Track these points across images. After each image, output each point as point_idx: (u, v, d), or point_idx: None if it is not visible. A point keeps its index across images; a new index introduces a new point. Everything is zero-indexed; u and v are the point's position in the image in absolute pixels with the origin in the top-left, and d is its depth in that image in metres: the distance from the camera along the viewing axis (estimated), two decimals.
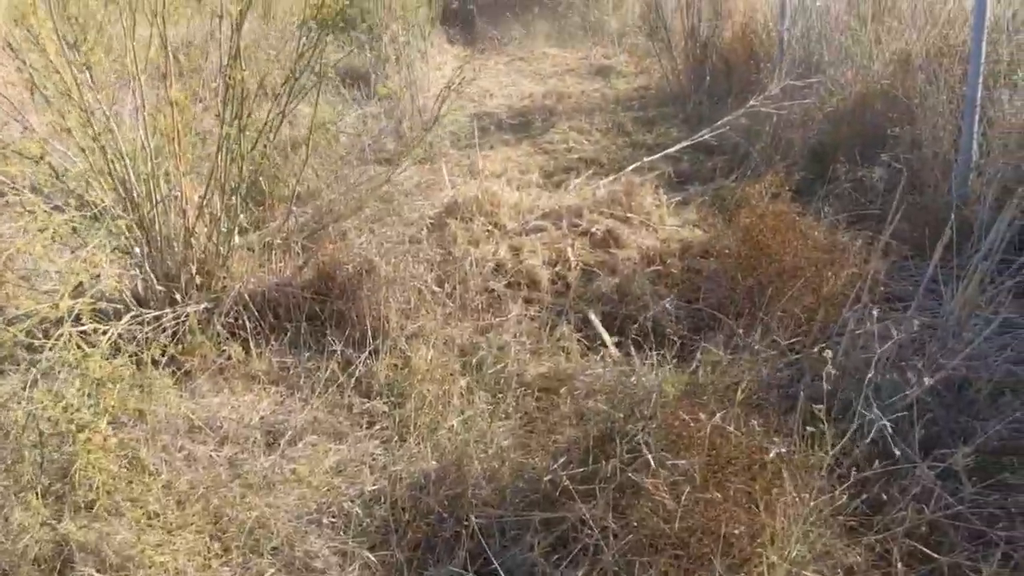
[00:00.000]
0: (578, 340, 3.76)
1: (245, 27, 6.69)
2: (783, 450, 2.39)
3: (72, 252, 3.63)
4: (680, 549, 2.33)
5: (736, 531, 2.29)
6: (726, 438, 2.43)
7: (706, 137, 6.42)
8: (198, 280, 3.94)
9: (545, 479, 2.66)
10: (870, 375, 2.67)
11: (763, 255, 3.70)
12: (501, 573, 2.49)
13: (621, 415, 2.77)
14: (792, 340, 3.25)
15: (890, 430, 2.53)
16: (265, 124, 4.00)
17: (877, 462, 2.44)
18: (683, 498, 2.33)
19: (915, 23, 5.37)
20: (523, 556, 2.55)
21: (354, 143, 6.26)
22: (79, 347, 2.95)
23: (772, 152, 5.80)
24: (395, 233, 4.22)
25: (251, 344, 3.75)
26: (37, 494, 2.76)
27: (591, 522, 2.45)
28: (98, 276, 3.44)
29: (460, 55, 10.00)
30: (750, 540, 2.27)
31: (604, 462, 2.58)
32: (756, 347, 3.14)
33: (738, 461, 2.40)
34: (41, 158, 3.47)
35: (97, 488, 2.80)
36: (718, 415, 2.39)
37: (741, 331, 3.16)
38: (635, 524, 2.41)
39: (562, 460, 2.72)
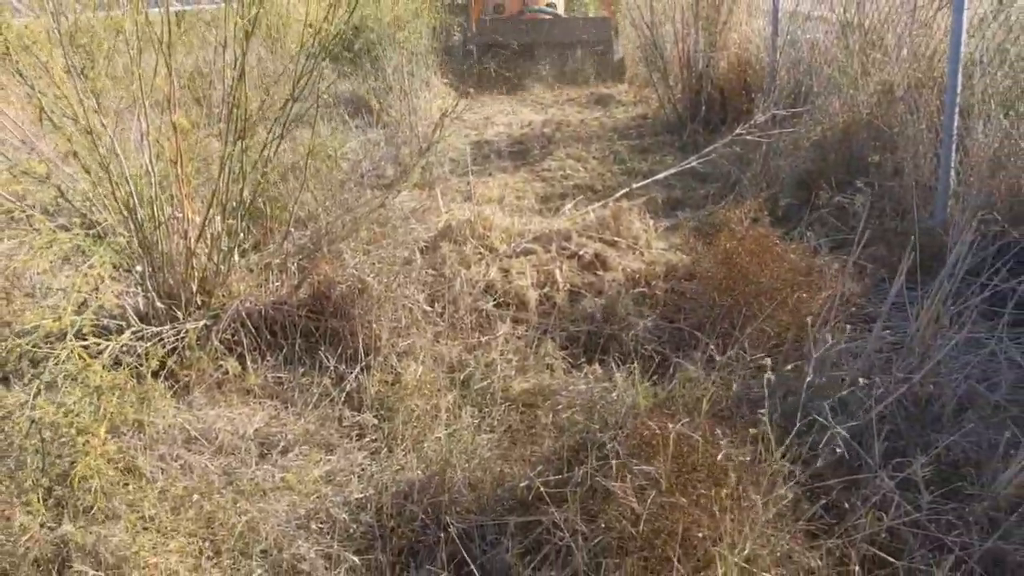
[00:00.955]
0: (563, 358, 3.89)
1: (251, 57, 6.88)
2: (746, 457, 2.51)
3: (76, 270, 3.79)
4: (647, 551, 2.45)
5: (700, 534, 2.41)
6: (692, 446, 2.56)
7: (700, 165, 6.58)
8: (198, 298, 4.09)
9: (521, 486, 2.78)
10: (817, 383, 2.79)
11: (741, 277, 3.84)
12: (478, 575, 2.62)
13: (596, 426, 2.90)
14: (764, 356, 3.37)
15: (849, 440, 2.65)
16: (265, 145, 4.16)
17: (833, 470, 2.55)
18: (649, 502, 2.45)
19: (899, 56, 5.53)
20: (500, 558, 2.67)
21: (354, 168, 6.42)
22: (81, 358, 3.09)
23: (761, 179, 5.96)
24: (389, 255, 4.36)
25: (247, 360, 3.89)
26: (38, 498, 2.89)
27: (563, 525, 2.57)
28: (98, 292, 3.58)
29: (458, 87, 10.05)
30: (712, 543, 2.39)
31: (577, 469, 2.70)
32: (729, 363, 3.26)
33: (703, 468, 2.52)
34: (47, 178, 3.63)
35: (95, 493, 2.93)
36: (682, 423, 2.52)
37: (713, 348, 3.29)
38: (604, 527, 2.53)
39: (539, 468, 2.84)
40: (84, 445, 2.84)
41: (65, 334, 3.29)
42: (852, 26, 6.12)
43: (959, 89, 4.53)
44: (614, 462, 2.56)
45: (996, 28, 4.63)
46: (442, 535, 2.80)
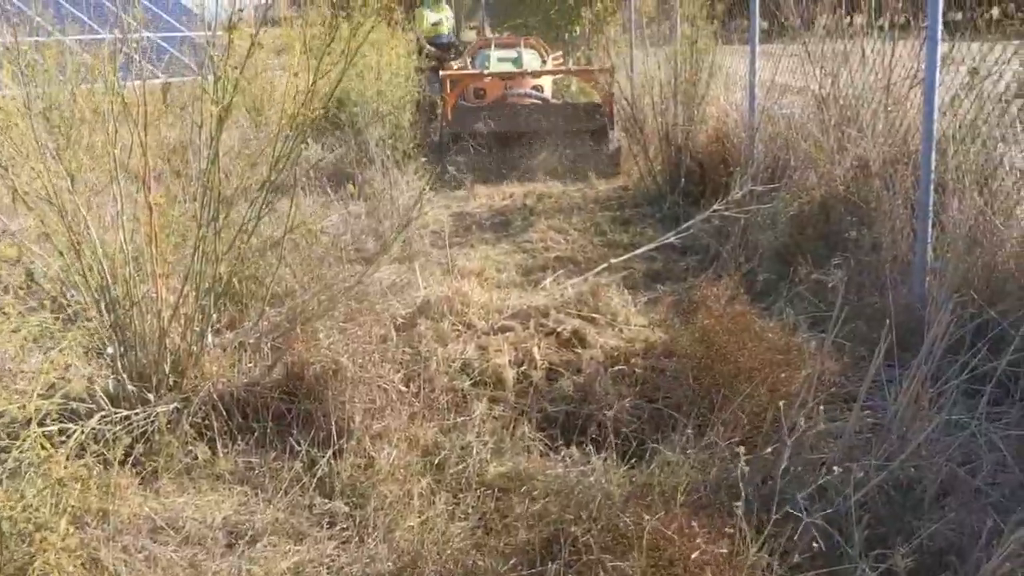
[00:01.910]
0: (540, 440, 3.83)
1: (236, 132, 6.89)
2: (723, 550, 2.44)
3: (45, 353, 3.72)
4: None
5: None
6: (668, 539, 2.49)
7: (680, 238, 6.62)
8: (171, 379, 4.02)
9: None
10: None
11: (720, 356, 3.81)
12: None
13: (571, 517, 2.83)
14: (742, 440, 3.32)
15: (828, 529, 2.59)
16: (241, 227, 4.14)
17: (812, 560, 2.49)
18: None
19: (874, 132, 5.60)
20: None
21: (334, 242, 6.42)
22: (43, 447, 3.01)
23: (740, 253, 5.97)
24: (365, 333, 4.31)
25: (218, 444, 3.81)
26: None
27: None
28: (66, 377, 3.52)
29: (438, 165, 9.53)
30: None
31: (550, 564, 2.62)
32: (708, 447, 3.21)
33: (679, 563, 2.45)
34: (17, 260, 3.59)
35: None
36: (656, 517, 2.45)
37: (691, 431, 3.24)
38: None
39: (512, 562, 2.76)
40: (42, 542, 2.74)
41: (30, 420, 3.22)
42: (828, 101, 6.21)
43: (933, 166, 4.57)
44: (587, 558, 2.49)
45: (968, 105, 4.69)
46: None
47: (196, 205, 4.15)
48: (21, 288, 3.77)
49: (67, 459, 3.15)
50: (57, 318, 3.70)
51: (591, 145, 10.15)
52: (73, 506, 2.96)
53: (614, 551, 2.49)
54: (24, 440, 3.13)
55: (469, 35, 24.80)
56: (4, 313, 3.55)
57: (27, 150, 3.89)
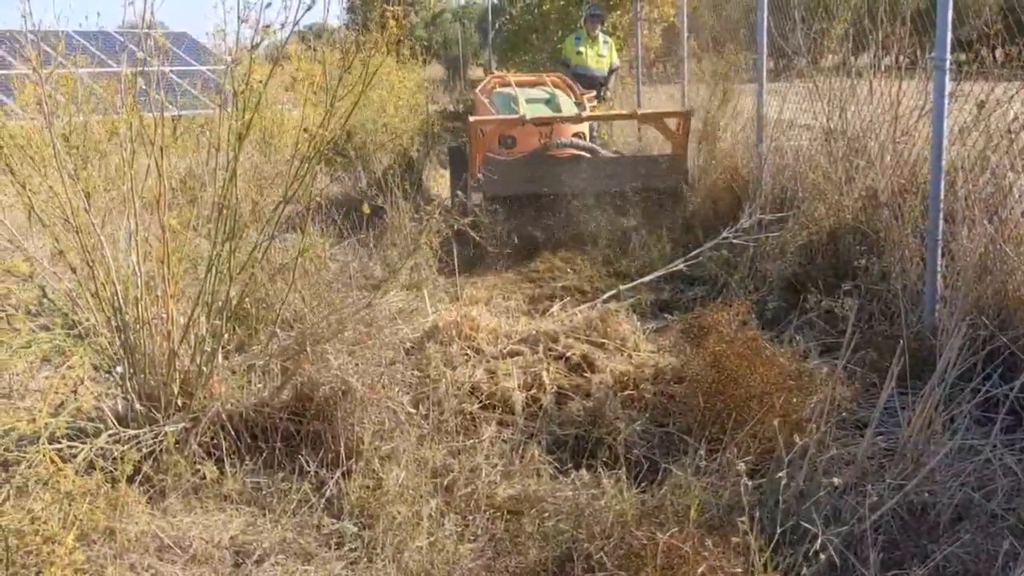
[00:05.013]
0: (549, 463, 3.81)
1: (245, 160, 6.95)
2: (736, 569, 2.42)
3: (55, 370, 3.73)
4: None
5: None
6: (682, 557, 2.47)
7: (689, 268, 6.61)
8: (179, 400, 4.02)
9: None
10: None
11: (731, 380, 3.79)
12: None
13: (583, 535, 2.81)
14: (754, 463, 3.30)
15: (843, 551, 2.56)
16: (255, 246, 4.15)
17: None
18: None
19: (882, 163, 5.62)
20: None
21: (343, 269, 6.44)
22: (52, 462, 3.01)
23: (749, 282, 5.97)
24: (374, 356, 4.30)
25: (226, 464, 3.79)
26: None
27: None
28: (76, 394, 3.52)
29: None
30: None
31: None
32: (720, 469, 3.19)
33: None
34: (30, 277, 3.61)
35: None
36: (668, 534, 2.43)
37: (703, 453, 3.22)
38: None
39: None
40: (49, 554, 2.73)
41: (39, 437, 3.21)
42: (835, 133, 6.24)
43: (942, 195, 4.58)
44: (601, 574, 2.46)
45: (976, 136, 4.71)
46: None
47: (211, 226, 4.17)
48: (33, 305, 3.78)
49: (75, 475, 3.15)
50: (68, 335, 3.71)
51: (664, 210, 7.77)
52: (80, 520, 2.94)
53: (628, 568, 2.47)
54: (33, 456, 3.13)
55: (476, 72, 24.98)
56: (15, 329, 3.57)
57: (45, 170, 3.93)
